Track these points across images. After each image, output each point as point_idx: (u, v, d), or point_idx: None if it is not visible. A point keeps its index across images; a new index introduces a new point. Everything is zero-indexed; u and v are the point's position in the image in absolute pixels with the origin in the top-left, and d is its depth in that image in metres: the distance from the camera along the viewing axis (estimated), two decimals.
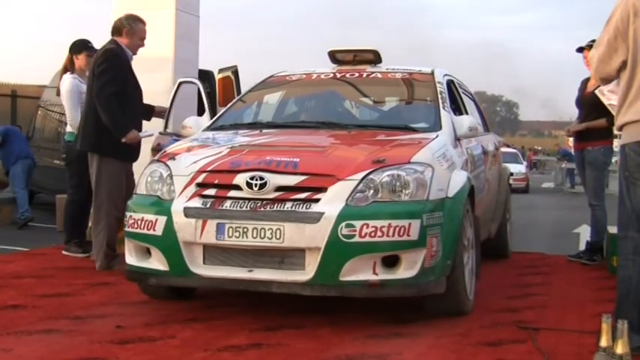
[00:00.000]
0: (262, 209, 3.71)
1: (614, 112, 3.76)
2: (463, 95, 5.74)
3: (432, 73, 5.27)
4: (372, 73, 5.35)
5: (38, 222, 8.64)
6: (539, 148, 54.41)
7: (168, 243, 3.85)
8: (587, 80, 6.23)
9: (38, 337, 3.59)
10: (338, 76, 5.39)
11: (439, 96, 4.94)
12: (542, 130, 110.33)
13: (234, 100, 5.71)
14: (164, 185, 4.03)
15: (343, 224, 3.60)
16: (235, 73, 7.87)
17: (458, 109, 5.36)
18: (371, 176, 3.77)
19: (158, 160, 4.24)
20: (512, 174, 15.35)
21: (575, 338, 3.69)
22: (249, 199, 3.77)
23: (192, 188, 3.91)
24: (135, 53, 5.50)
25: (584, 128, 6.19)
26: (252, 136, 4.56)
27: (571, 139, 7.33)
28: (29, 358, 3.26)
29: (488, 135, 6.35)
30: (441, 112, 4.76)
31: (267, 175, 3.78)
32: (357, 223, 3.60)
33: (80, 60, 6.14)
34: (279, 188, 3.76)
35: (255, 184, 3.77)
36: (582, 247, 6.76)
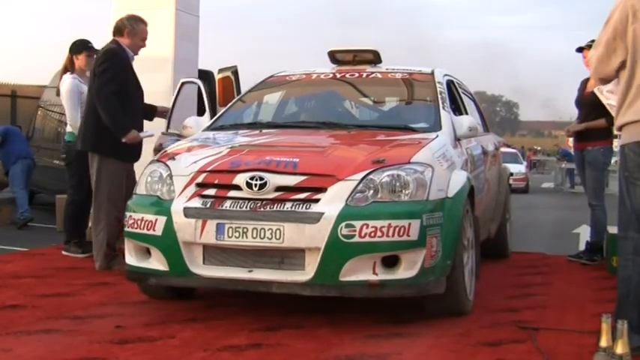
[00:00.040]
0: (262, 209, 3.71)
1: (612, 112, 3.76)
2: (463, 95, 5.75)
3: (432, 73, 5.27)
4: (372, 73, 5.35)
5: (38, 222, 8.64)
6: (539, 148, 54.38)
7: (168, 243, 3.85)
8: (586, 80, 6.23)
9: (38, 337, 3.59)
10: (338, 76, 5.39)
11: (439, 96, 4.94)
12: (542, 130, 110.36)
13: (234, 100, 5.71)
14: (164, 185, 4.03)
15: (343, 224, 3.60)
16: (235, 73, 7.87)
17: (458, 109, 5.36)
18: (371, 176, 3.77)
19: (158, 160, 4.24)
20: (512, 174, 15.36)
21: (574, 338, 3.69)
22: (249, 199, 3.76)
23: (192, 188, 3.90)
24: (136, 54, 5.50)
25: (583, 128, 6.19)
26: (252, 136, 4.56)
27: (571, 140, 7.34)
28: (29, 358, 3.26)
29: (488, 135, 6.35)
30: (440, 112, 4.76)
31: (267, 175, 3.78)
32: (357, 224, 3.60)
33: (80, 60, 6.13)
34: (278, 188, 3.76)
35: (255, 184, 3.77)
36: (582, 247, 6.75)
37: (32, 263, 5.72)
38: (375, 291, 3.68)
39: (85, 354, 3.30)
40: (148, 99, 5.73)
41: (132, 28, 5.42)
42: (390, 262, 3.68)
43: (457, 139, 4.65)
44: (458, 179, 4.10)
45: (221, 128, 4.91)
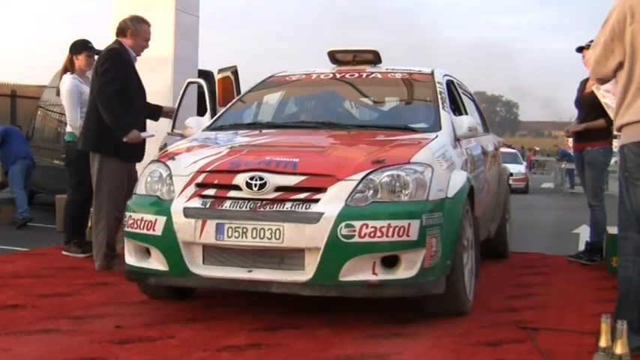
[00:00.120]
0: (262, 209, 3.71)
1: (608, 111, 3.77)
2: (463, 95, 5.75)
3: (432, 74, 5.27)
4: (372, 73, 5.35)
5: (38, 222, 8.64)
6: (538, 148, 54.30)
7: (168, 243, 3.85)
8: (586, 81, 6.23)
9: (37, 336, 3.59)
10: (338, 76, 5.39)
11: (439, 96, 4.94)
12: (541, 130, 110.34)
13: (233, 101, 5.71)
14: (164, 185, 4.03)
15: (343, 224, 3.60)
16: (235, 73, 7.86)
17: (457, 109, 5.36)
18: (370, 176, 3.77)
19: (158, 160, 4.24)
20: (511, 174, 15.38)
21: (574, 338, 3.69)
22: (249, 200, 3.77)
23: (192, 188, 3.90)
24: (139, 54, 5.50)
25: (583, 129, 6.19)
26: (252, 136, 4.56)
27: (570, 140, 7.33)
28: (28, 357, 3.26)
29: (488, 135, 6.35)
30: (440, 113, 4.76)
31: (266, 176, 3.78)
32: (357, 224, 3.60)
33: (80, 60, 6.13)
34: (278, 188, 3.76)
35: (255, 185, 3.77)
36: (582, 247, 6.75)
37: (32, 263, 5.72)
38: (375, 291, 3.68)
39: (85, 354, 3.30)
40: (148, 99, 5.73)
41: (135, 29, 5.42)
42: (390, 262, 3.68)
43: (457, 140, 4.65)
44: (458, 179, 4.11)
45: (221, 128, 4.91)
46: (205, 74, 8.22)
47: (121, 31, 5.45)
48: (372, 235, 3.60)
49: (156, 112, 5.85)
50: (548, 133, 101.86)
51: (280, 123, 5.06)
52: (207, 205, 3.81)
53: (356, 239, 3.59)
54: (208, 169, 3.96)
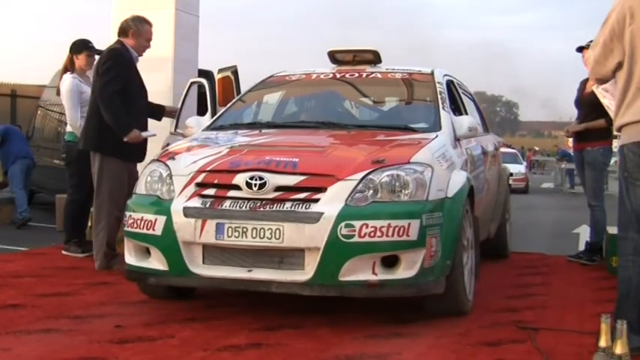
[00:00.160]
0: (262, 209, 3.71)
1: (607, 110, 3.76)
2: (463, 95, 5.75)
3: (432, 74, 5.27)
4: (372, 73, 5.35)
5: (38, 222, 8.64)
6: (537, 148, 54.23)
7: (168, 243, 3.85)
8: (586, 81, 6.23)
9: (37, 336, 3.59)
10: (338, 76, 5.39)
11: (439, 96, 4.94)
12: (541, 130, 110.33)
13: (233, 100, 5.71)
14: (163, 185, 4.03)
15: (342, 224, 3.60)
16: (235, 73, 7.86)
17: (457, 109, 5.36)
18: (370, 176, 3.77)
19: (158, 160, 4.24)
20: (511, 174, 15.37)
21: (574, 338, 3.69)
22: (249, 199, 3.76)
23: (192, 188, 3.90)
24: (141, 54, 5.50)
25: (583, 129, 6.19)
26: (252, 136, 4.56)
27: (570, 140, 7.33)
28: (28, 357, 3.26)
29: (488, 135, 6.35)
30: (440, 113, 4.76)
31: (266, 175, 3.78)
32: (357, 223, 3.60)
33: (80, 60, 6.13)
34: (278, 188, 3.76)
35: (255, 184, 3.77)
36: (582, 247, 6.76)
37: (32, 263, 5.72)
38: (375, 291, 3.68)
39: (85, 353, 3.30)
40: (148, 99, 5.73)
41: (136, 29, 5.42)
42: (390, 262, 3.68)
43: (457, 140, 4.65)
44: (457, 179, 4.11)
45: (221, 128, 4.90)
46: (206, 74, 8.22)
47: (123, 31, 5.45)
48: (371, 234, 3.60)
49: (158, 111, 5.86)
50: (548, 133, 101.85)
51: (280, 123, 5.06)
52: (207, 205, 3.81)
53: (356, 239, 3.59)
54: (208, 168, 3.96)
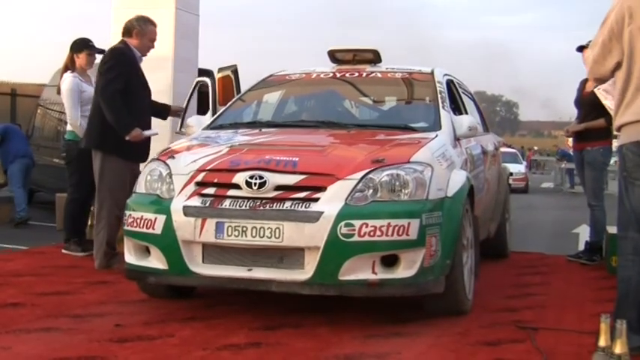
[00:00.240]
0: (261, 208, 3.71)
1: (609, 111, 3.77)
2: (463, 95, 5.75)
3: (432, 73, 5.27)
4: (372, 72, 5.35)
5: (38, 220, 8.64)
6: (536, 148, 54.20)
7: (168, 242, 3.85)
8: (586, 80, 6.23)
9: (37, 335, 3.60)
10: (338, 75, 5.39)
11: (439, 96, 4.94)
12: (541, 130, 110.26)
13: (233, 99, 5.71)
14: (163, 184, 4.03)
15: (342, 223, 3.60)
16: (235, 72, 7.86)
17: (457, 108, 5.36)
18: (370, 176, 3.77)
19: (157, 159, 4.24)
20: (511, 174, 15.36)
21: (574, 338, 3.69)
22: (249, 198, 3.77)
23: (192, 187, 3.91)
24: (144, 55, 5.50)
25: (583, 128, 6.19)
26: (252, 135, 4.56)
27: (570, 140, 7.34)
28: (28, 356, 3.26)
29: (488, 135, 6.35)
30: (440, 112, 4.76)
31: (266, 175, 3.78)
32: (357, 223, 3.60)
33: (81, 59, 6.13)
34: (278, 187, 3.76)
35: (255, 183, 3.77)
36: (581, 247, 6.76)
37: (32, 261, 5.72)
38: (375, 290, 3.68)
39: (85, 352, 3.30)
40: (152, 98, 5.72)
41: (140, 29, 5.42)
42: (390, 262, 3.68)
43: (457, 139, 4.65)
44: (457, 179, 4.11)
45: (221, 127, 4.90)
46: (206, 73, 8.22)
47: (127, 31, 5.46)
48: (371, 234, 3.60)
49: (163, 111, 5.87)
50: (548, 132, 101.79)
51: (280, 122, 5.06)
52: (207, 204, 3.81)
53: (355, 238, 3.60)
54: (208, 167, 3.96)
